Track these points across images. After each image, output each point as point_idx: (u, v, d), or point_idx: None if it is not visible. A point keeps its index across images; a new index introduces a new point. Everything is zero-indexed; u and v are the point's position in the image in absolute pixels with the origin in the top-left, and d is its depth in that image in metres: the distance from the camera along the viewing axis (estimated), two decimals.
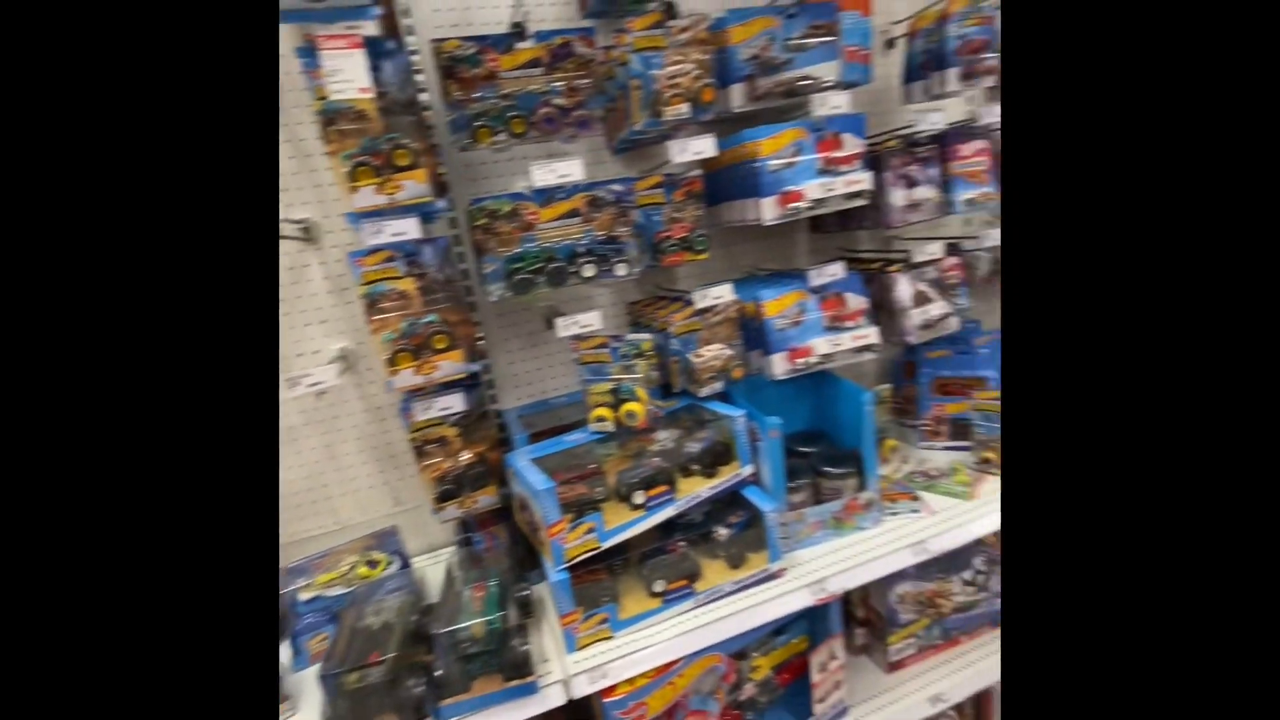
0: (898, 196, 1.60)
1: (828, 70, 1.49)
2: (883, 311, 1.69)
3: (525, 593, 1.37)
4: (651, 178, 1.44)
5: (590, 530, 1.28)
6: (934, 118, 1.59)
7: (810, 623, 1.50)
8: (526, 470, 1.32)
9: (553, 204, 1.37)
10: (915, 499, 1.56)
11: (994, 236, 1.81)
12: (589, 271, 1.39)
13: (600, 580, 1.34)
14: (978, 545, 1.70)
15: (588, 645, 1.29)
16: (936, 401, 1.82)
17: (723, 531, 1.41)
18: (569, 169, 1.33)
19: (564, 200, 1.37)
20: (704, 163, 1.49)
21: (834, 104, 1.44)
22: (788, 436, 1.69)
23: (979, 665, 1.68)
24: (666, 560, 1.36)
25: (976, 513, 1.52)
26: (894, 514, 1.54)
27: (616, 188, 1.42)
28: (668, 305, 1.57)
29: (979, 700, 1.84)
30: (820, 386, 1.71)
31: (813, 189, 1.46)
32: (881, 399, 1.82)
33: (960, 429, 1.82)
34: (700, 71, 1.32)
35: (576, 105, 1.44)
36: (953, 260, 1.85)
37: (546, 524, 1.24)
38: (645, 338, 1.43)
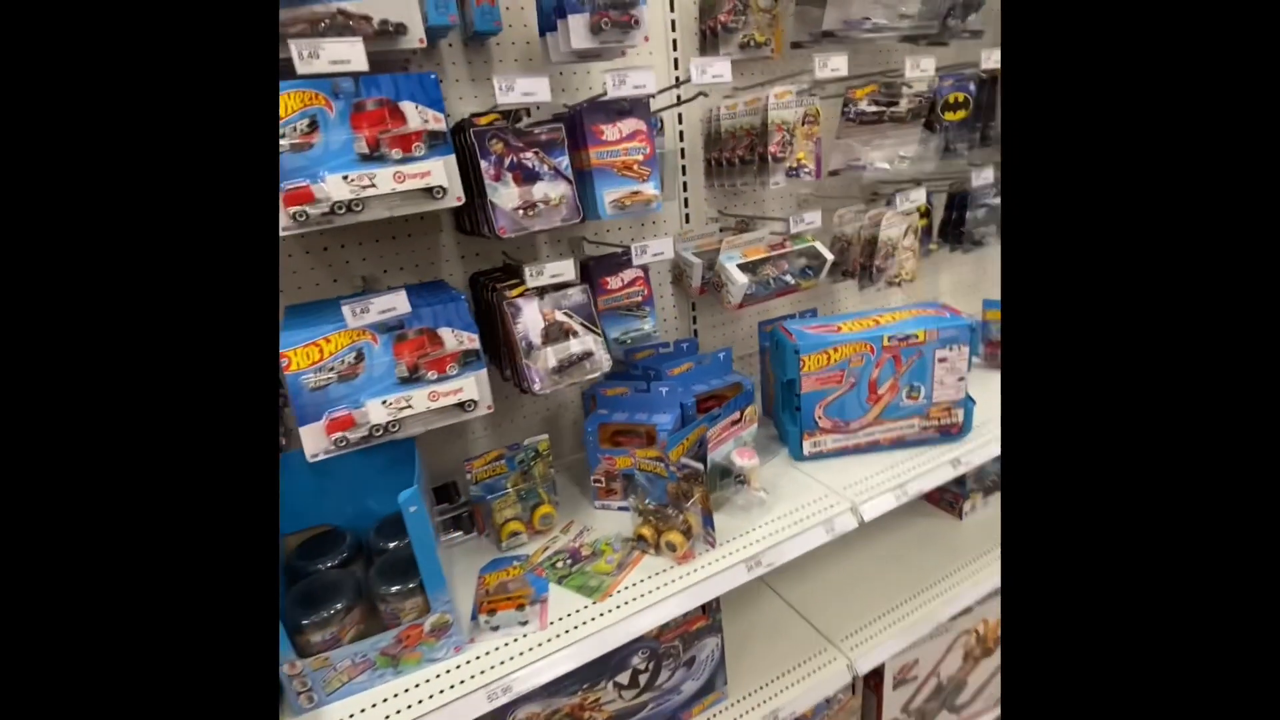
0: (505, 195, 1.16)
1: (390, 6, 1.01)
2: (504, 349, 1.27)
3: None
4: None
5: None
6: (636, 79, 1.15)
7: None
8: None
9: None
10: (525, 605, 1.17)
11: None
12: None
13: None
14: (638, 640, 1.36)
15: None
16: (605, 453, 1.45)
17: None
18: None
19: None
20: None
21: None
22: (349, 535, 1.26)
23: None
24: None
25: (608, 618, 1.17)
26: (494, 629, 1.15)
27: None
28: None
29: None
30: (396, 463, 1.27)
31: (334, 185, 0.98)
32: (539, 453, 1.43)
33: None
34: None
35: None
36: (634, 274, 1.46)
37: None
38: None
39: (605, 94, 1.17)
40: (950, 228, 1.98)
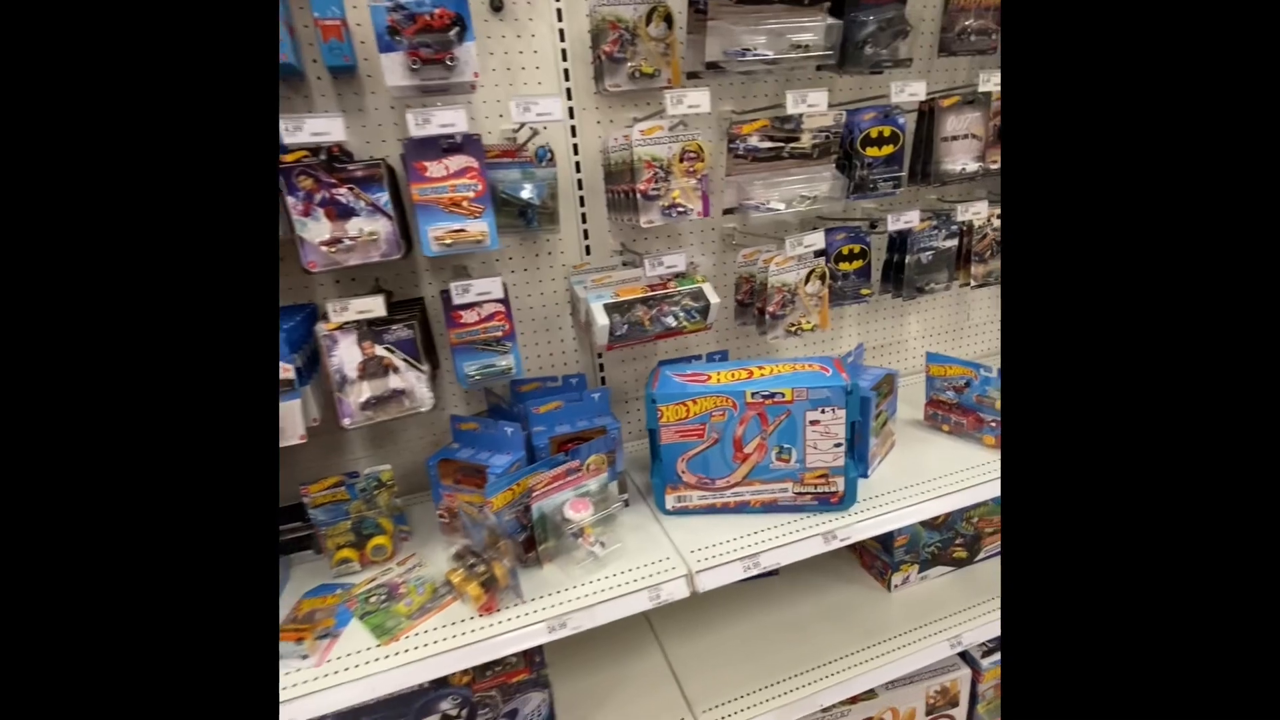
0: (314, 230, 1.16)
1: None
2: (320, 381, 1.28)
3: None
4: None
5: None
6: (443, 118, 1.15)
7: None
8: None
9: None
10: (306, 639, 1.17)
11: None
12: None
13: None
14: (443, 687, 1.33)
15: None
16: (447, 489, 1.43)
17: None
18: None
19: None
20: None
21: None
22: None
23: None
24: None
25: (385, 664, 1.14)
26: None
27: None
28: None
29: None
30: None
31: None
32: (382, 482, 1.43)
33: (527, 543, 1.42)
34: None
35: None
36: (494, 307, 1.43)
37: None
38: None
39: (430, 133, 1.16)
40: (891, 274, 1.80)
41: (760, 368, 1.44)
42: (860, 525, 1.41)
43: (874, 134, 1.53)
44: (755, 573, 1.34)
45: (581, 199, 1.65)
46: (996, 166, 1.70)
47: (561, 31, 1.50)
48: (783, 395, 1.35)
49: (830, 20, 1.37)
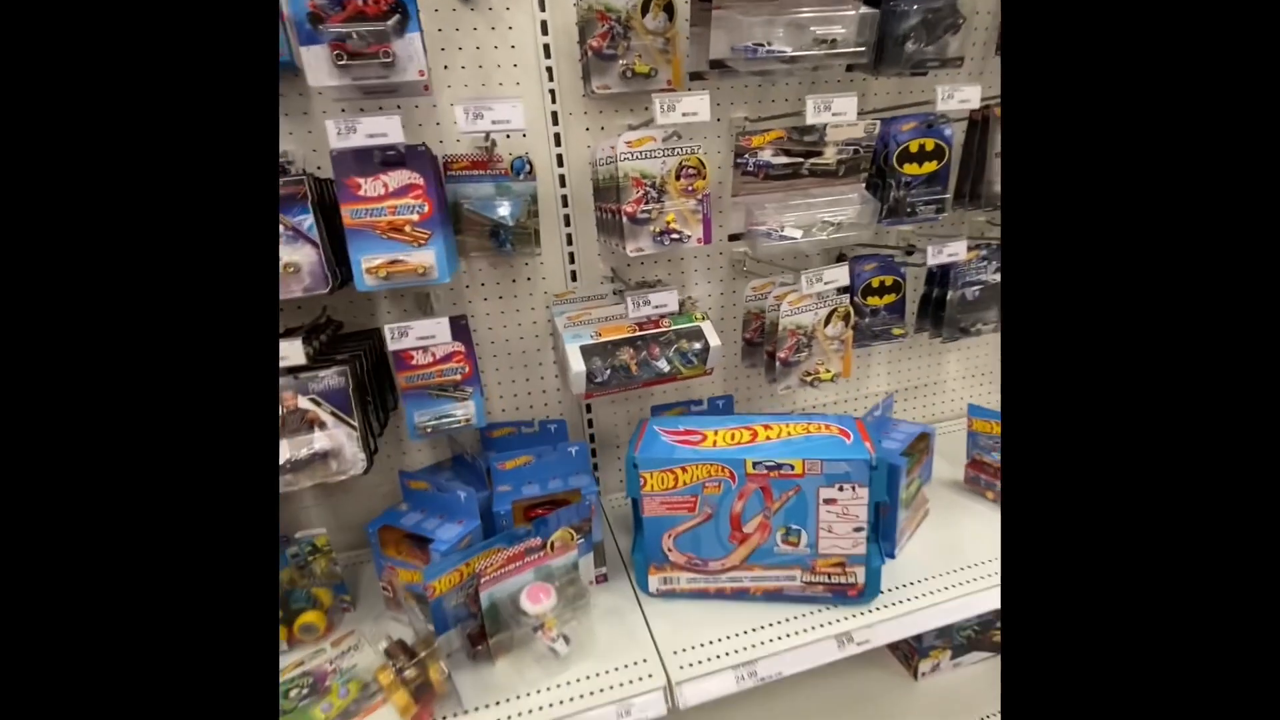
0: None
1: None
2: None
3: None
4: None
5: None
6: (371, 126, 0.94)
7: None
8: None
9: None
10: None
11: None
12: None
13: None
14: None
15: None
16: (389, 561, 1.21)
17: None
18: None
19: None
20: None
21: None
22: None
23: None
24: None
25: None
26: None
27: None
28: None
29: None
30: None
31: None
32: (318, 548, 1.23)
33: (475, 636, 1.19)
34: None
35: None
36: (451, 347, 1.22)
37: None
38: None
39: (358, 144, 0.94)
40: (930, 310, 1.54)
41: (768, 426, 1.20)
42: (884, 626, 1.15)
43: (914, 148, 1.27)
44: (751, 684, 1.09)
45: (567, 217, 1.42)
46: None
47: (544, 23, 1.28)
48: (791, 468, 1.10)
49: (865, 9, 1.12)
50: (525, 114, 1.15)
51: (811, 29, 1.11)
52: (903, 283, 1.48)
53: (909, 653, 1.61)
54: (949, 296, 1.46)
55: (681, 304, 1.30)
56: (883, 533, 1.30)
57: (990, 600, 1.23)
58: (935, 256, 1.30)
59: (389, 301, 1.39)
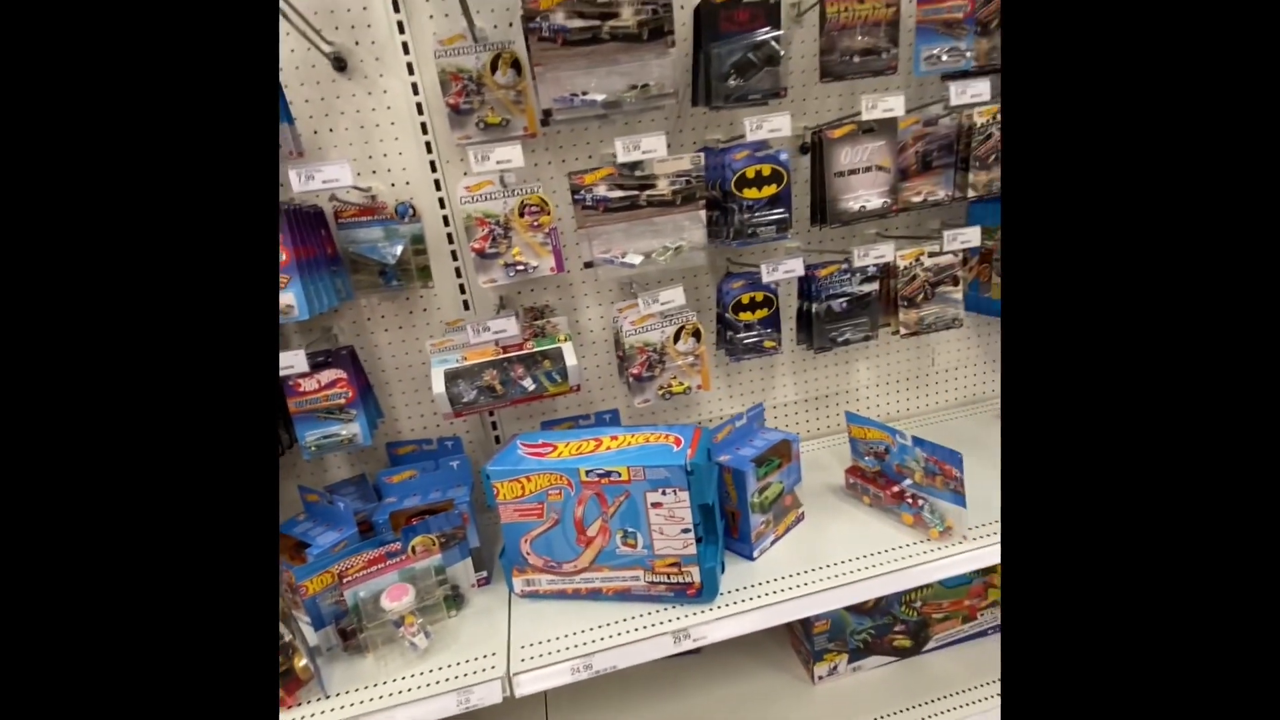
0: None
1: None
2: None
3: None
4: None
5: None
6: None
7: None
8: None
9: None
10: None
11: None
12: None
13: None
14: None
15: None
16: (285, 566, 1.36)
17: None
18: None
19: None
20: None
21: None
22: None
23: None
24: None
25: None
26: None
27: None
28: None
29: None
30: None
31: None
32: None
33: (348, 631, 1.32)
34: None
35: None
36: (335, 374, 1.38)
37: None
38: None
39: None
40: (801, 322, 1.61)
41: (615, 437, 1.30)
42: (718, 624, 1.23)
43: (750, 174, 1.37)
44: (586, 676, 1.19)
45: (454, 253, 1.57)
46: (919, 199, 1.48)
47: (414, 85, 1.45)
48: (619, 474, 1.20)
49: (672, 55, 1.24)
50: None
51: (622, 78, 1.23)
52: (774, 297, 1.56)
53: (806, 656, 1.65)
54: (814, 309, 1.53)
55: (542, 328, 1.42)
56: (740, 536, 1.38)
57: (836, 599, 1.28)
58: (769, 274, 1.38)
59: (299, 336, 1.57)
